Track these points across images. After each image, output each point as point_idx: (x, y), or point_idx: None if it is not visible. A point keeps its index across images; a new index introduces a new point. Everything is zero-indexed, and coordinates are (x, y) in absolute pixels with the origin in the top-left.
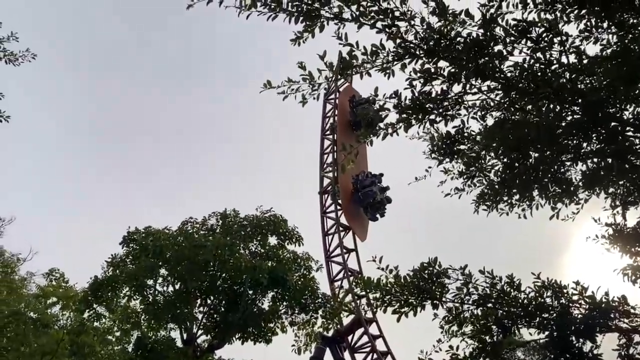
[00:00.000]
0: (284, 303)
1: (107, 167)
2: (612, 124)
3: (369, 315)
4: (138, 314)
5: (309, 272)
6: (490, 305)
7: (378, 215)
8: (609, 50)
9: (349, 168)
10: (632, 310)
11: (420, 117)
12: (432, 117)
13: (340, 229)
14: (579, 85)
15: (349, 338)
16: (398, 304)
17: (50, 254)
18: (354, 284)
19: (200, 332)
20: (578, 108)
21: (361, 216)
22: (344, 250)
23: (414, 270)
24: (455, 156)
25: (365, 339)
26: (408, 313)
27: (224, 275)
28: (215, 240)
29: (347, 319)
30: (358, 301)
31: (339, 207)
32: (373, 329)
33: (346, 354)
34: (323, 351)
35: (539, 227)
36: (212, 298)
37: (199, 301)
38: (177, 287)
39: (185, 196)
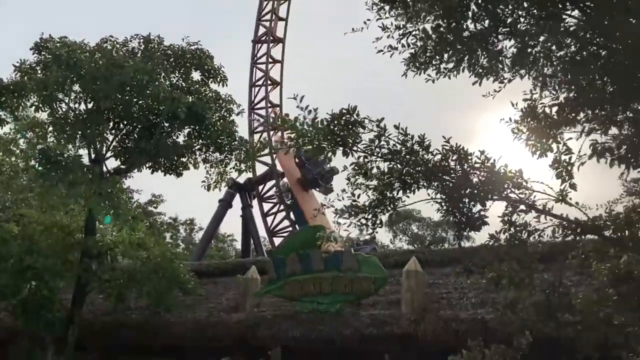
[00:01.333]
0: (200, 140)
1: None
2: None
3: (281, 169)
4: (45, 126)
5: (229, 114)
6: (397, 161)
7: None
8: None
9: None
10: (523, 183)
11: None
12: None
13: (269, 82)
14: None
15: (260, 187)
16: (311, 147)
17: None
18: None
19: (109, 154)
20: None
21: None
22: (269, 105)
23: (332, 114)
24: (396, 3)
25: (275, 190)
26: (319, 157)
27: (140, 102)
28: (135, 63)
29: (260, 170)
30: (274, 155)
31: (270, 61)
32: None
33: (254, 202)
34: (233, 196)
35: (459, 113)
36: (125, 123)
37: (111, 124)
38: (89, 105)
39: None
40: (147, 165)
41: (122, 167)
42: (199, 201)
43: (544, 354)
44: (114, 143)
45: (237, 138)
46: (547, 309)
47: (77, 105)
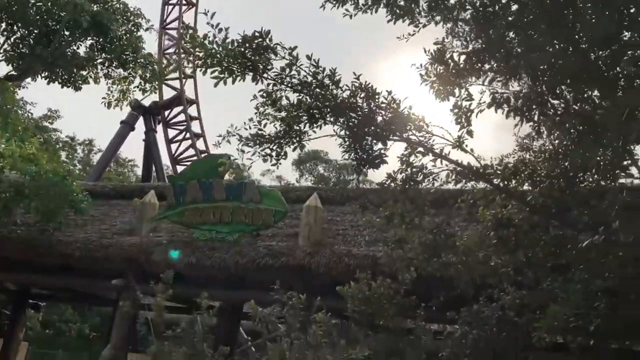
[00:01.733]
0: (103, 54)
1: None
2: None
3: (192, 96)
4: None
5: (137, 29)
6: (307, 94)
7: None
8: None
9: None
10: (424, 127)
11: None
12: None
13: (183, 2)
14: None
15: (166, 113)
16: (220, 68)
17: None
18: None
19: None
20: None
21: None
22: (182, 25)
23: (244, 36)
24: None
25: (182, 117)
26: (227, 80)
27: (38, 4)
28: None
29: (167, 95)
30: (184, 80)
31: None
32: (192, 111)
33: (159, 128)
34: (136, 118)
35: (376, 54)
36: (19, 25)
37: (3, 25)
38: None
39: None
40: (42, 74)
41: (14, 73)
42: (100, 122)
43: (426, 289)
44: (5, 46)
45: (143, 55)
46: (433, 249)
47: None
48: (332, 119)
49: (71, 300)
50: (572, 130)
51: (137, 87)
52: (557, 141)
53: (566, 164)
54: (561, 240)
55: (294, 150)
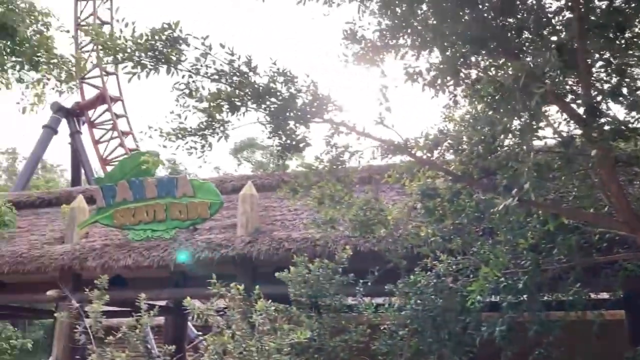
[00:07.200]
0: (12, 57)
1: None
2: None
3: (116, 93)
4: None
5: (47, 29)
6: (225, 82)
7: None
8: None
9: None
10: (345, 107)
11: None
12: None
13: None
14: None
15: (90, 113)
16: (131, 64)
17: None
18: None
19: None
20: None
21: None
22: (97, 21)
23: (152, 29)
24: None
25: (107, 116)
26: (141, 75)
27: None
28: None
29: (90, 94)
30: (105, 77)
31: None
32: (117, 108)
33: (85, 130)
34: (59, 121)
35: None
36: None
37: None
38: None
39: None
40: None
41: None
42: (22, 129)
43: (363, 265)
44: None
45: (55, 55)
46: (365, 225)
47: None
48: (253, 106)
49: (8, 317)
50: (486, 98)
51: (53, 89)
52: (474, 110)
53: (485, 129)
54: (484, 205)
55: (218, 140)
